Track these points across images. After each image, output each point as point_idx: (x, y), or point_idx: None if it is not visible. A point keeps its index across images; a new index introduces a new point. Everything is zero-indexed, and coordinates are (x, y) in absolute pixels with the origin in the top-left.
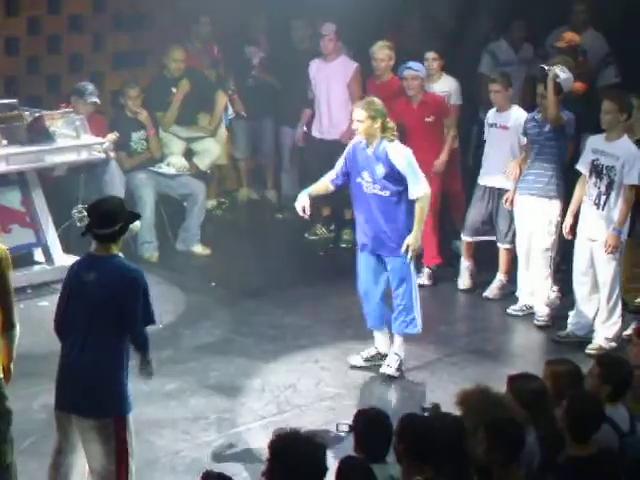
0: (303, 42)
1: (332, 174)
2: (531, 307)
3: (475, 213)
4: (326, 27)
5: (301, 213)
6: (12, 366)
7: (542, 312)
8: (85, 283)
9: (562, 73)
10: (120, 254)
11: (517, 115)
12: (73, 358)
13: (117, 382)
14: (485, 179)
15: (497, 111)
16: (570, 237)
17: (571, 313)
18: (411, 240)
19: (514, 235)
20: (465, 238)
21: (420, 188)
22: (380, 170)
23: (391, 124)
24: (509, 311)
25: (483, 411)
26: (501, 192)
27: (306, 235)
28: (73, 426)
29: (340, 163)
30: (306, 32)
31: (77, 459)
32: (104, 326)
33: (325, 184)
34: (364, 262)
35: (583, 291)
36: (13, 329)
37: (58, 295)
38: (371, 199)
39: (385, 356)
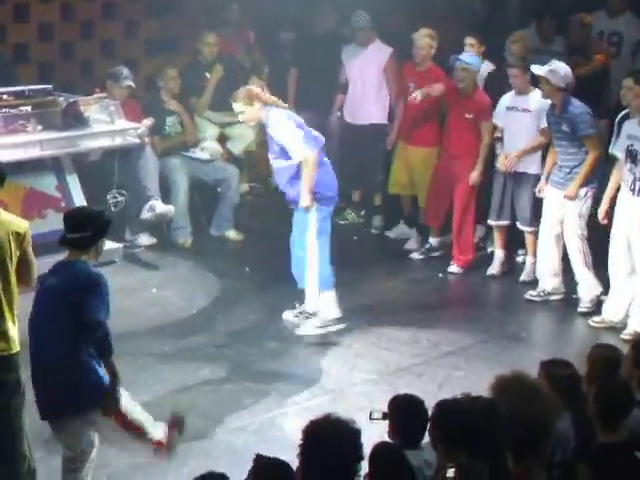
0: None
1: None
2: (549, 292)
3: (497, 197)
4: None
5: None
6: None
7: (586, 299)
8: (44, 288)
9: (545, 67)
10: (88, 262)
11: (539, 99)
12: (36, 361)
13: (74, 381)
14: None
15: (516, 94)
16: (605, 222)
17: (606, 298)
18: None
19: (537, 218)
20: (490, 222)
21: None
22: None
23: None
24: (526, 296)
25: (516, 397)
26: (517, 176)
27: (336, 220)
28: None
29: None
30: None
31: None
32: (63, 330)
33: None
34: None
35: (619, 276)
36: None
37: None
38: None
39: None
